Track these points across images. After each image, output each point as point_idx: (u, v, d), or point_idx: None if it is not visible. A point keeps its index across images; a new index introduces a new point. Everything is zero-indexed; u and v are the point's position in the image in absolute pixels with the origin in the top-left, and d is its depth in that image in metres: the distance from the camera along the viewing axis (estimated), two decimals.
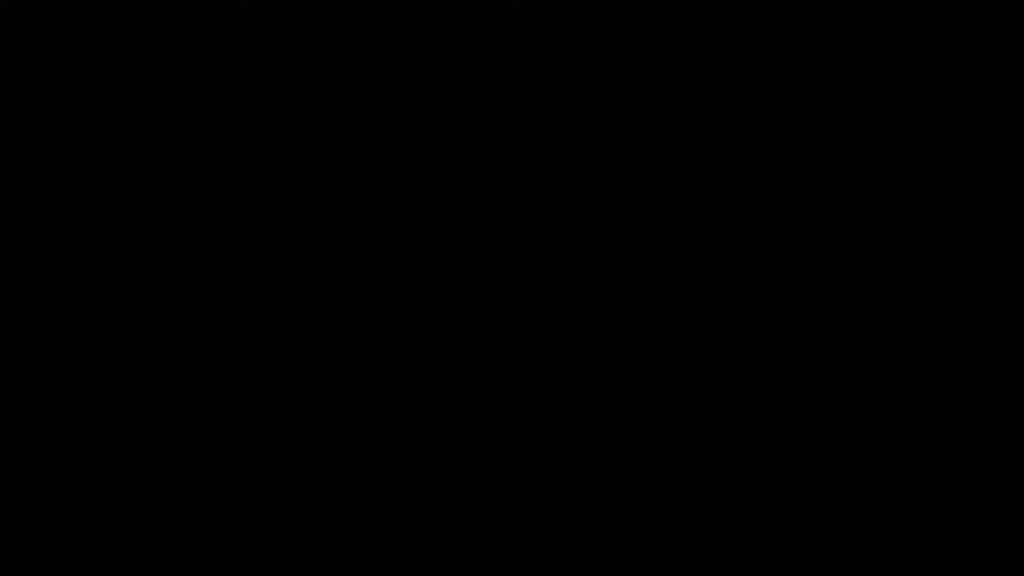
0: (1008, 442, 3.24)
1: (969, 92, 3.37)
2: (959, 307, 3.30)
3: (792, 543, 3.20)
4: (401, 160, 3.38)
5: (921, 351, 3.28)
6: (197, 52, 3.39)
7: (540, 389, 3.29)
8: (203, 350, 3.29)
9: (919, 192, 3.35)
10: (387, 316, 3.31)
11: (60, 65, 3.38)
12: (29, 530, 3.19)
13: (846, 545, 3.20)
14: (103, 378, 3.27)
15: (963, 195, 3.34)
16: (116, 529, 3.20)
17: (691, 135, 3.38)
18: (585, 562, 3.20)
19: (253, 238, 3.33)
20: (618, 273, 3.33)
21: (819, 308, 3.31)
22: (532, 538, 3.22)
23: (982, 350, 3.28)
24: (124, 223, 3.33)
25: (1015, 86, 3.36)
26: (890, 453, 3.24)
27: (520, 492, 3.24)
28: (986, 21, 3.38)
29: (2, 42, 3.37)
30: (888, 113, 3.37)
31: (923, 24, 3.38)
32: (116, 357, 3.28)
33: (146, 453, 3.24)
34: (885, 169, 3.36)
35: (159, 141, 3.37)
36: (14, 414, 3.24)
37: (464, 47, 3.40)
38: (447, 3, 3.40)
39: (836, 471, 3.23)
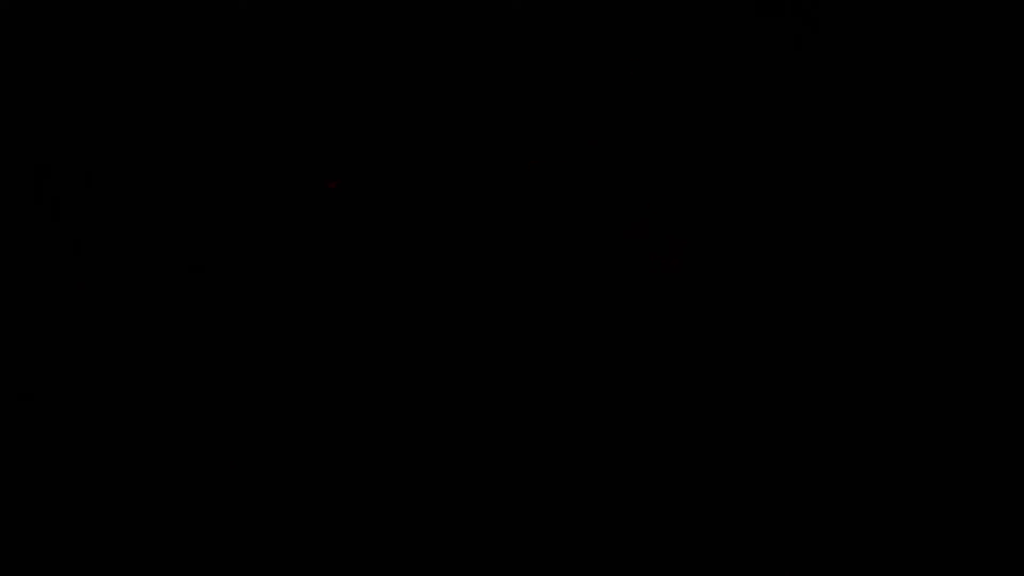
0: (1008, 442, 3.24)
1: (969, 92, 3.37)
2: (959, 306, 3.30)
3: (792, 543, 3.20)
4: (401, 160, 3.38)
5: (920, 350, 3.28)
6: (197, 52, 3.39)
7: (541, 388, 3.29)
8: (203, 350, 3.29)
9: (918, 191, 3.35)
10: (387, 315, 3.32)
11: (60, 65, 3.38)
12: (29, 530, 3.19)
13: (846, 545, 3.20)
14: (103, 378, 3.27)
15: (963, 195, 3.34)
16: (116, 529, 3.20)
17: (691, 135, 3.38)
18: (585, 562, 3.21)
19: (253, 238, 3.34)
20: (618, 273, 3.33)
21: (818, 307, 3.32)
22: (532, 537, 3.22)
23: (982, 350, 3.28)
24: (124, 223, 3.33)
25: (1015, 86, 3.36)
26: (890, 453, 3.24)
27: (520, 490, 3.24)
28: (986, 21, 3.38)
29: (2, 42, 3.37)
30: (888, 113, 3.37)
31: (923, 24, 3.38)
32: (116, 357, 3.28)
33: (146, 453, 3.24)
34: (884, 168, 3.36)
35: (159, 141, 3.37)
36: (14, 414, 3.25)
37: (464, 47, 3.40)
38: (447, 3, 3.40)
39: (836, 471, 3.24)
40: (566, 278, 3.33)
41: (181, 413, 3.26)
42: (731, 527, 3.22)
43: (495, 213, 3.36)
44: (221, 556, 3.20)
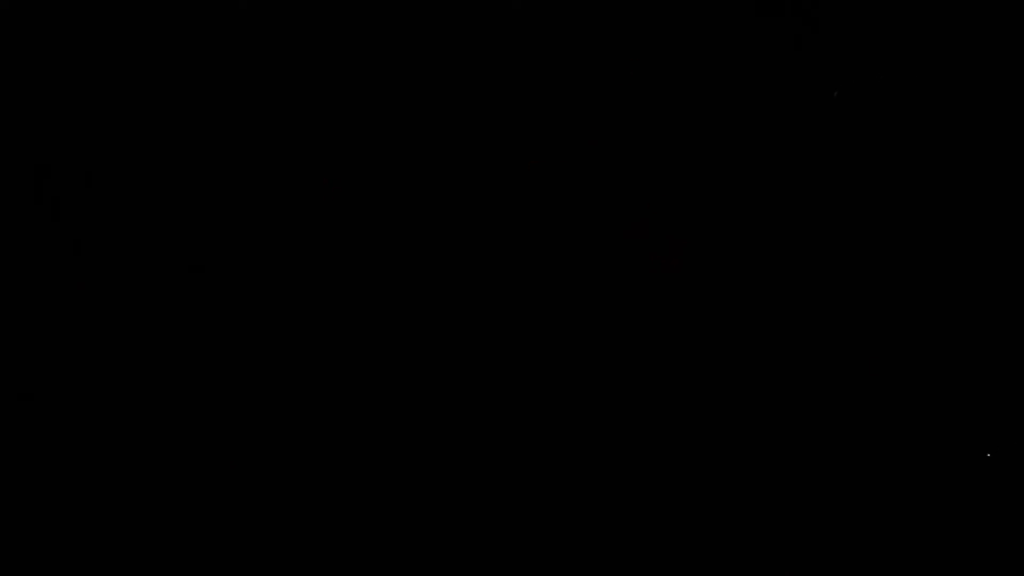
0: (1008, 442, 3.24)
1: (969, 92, 3.37)
2: (959, 306, 3.30)
3: (792, 543, 3.20)
4: (401, 160, 3.38)
5: (920, 350, 3.28)
6: (197, 52, 3.39)
7: (540, 388, 3.29)
8: (203, 350, 3.29)
9: (918, 192, 3.35)
10: (387, 315, 3.31)
11: (60, 65, 3.37)
12: (29, 530, 3.19)
13: (846, 545, 3.20)
14: (103, 378, 3.27)
15: (962, 195, 3.34)
16: (116, 529, 3.20)
17: (691, 135, 3.38)
18: (585, 562, 3.20)
19: (253, 238, 3.33)
20: (618, 273, 3.33)
21: (818, 308, 3.31)
22: (532, 538, 3.22)
23: (981, 350, 3.28)
24: (124, 223, 3.33)
25: (1015, 86, 3.36)
26: (890, 452, 3.24)
27: (520, 491, 3.24)
28: (986, 21, 3.38)
29: (2, 42, 3.37)
30: (888, 113, 3.37)
31: (923, 24, 3.38)
32: (116, 357, 3.28)
33: (146, 453, 3.24)
34: (884, 169, 3.36)
35: (159, 141, 3.37)
36: (14, 414, 3.24)
37: (464, 47, 3.40)
38: (447, 3, 3.40)
39: (836, 471, 3.23)
40: (566, 278, 3.33)
41: (181, 413, 3.26)
42: (731, 527, 3.22)
43: (495, 213, 3.36)
44: (221, 556, 3.20)
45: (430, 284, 3.33)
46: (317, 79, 3.39)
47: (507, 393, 3.28)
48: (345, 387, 3.28)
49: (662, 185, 3.37)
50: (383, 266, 3.33)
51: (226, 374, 3.28)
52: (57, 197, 3.33)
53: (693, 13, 3.39)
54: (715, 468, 3.25)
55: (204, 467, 3.23)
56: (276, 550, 3.20)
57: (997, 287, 3.30)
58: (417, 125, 3.38)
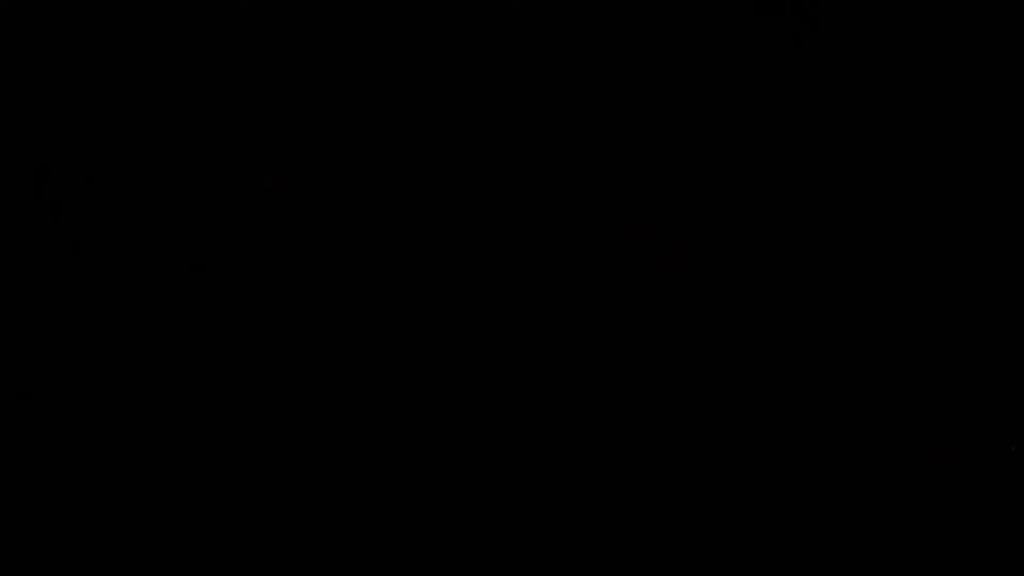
0: (1008, 442, 3.24)
1: (969, 92, 3.37)
2: (959, 307, 3.30)
3: (792, 543, 3.20)
4: (401, 160, 3.38)
5: (920, 351, 3.28)
6: (197, 52, 3.39)
7: (540, 389, 3.29)
8: (203, 350, 3.29)
9: (919, 192, 3.35)
10: (387, 315, 3.31)
11: (60, 65, 3.38)
12: (29, 530, 3.19)
13: (846, 545, 3.20)
14: (103, 378, 3.27)
15: (963, 195, 3.34)
16: (116, 529, 3.20)
17: (691, 135, 3.38)
18: (585, 562, 3.20)
19: (253, 238, 3.33)
20: (618, 273, 3.33)
21: (819, 308, 3.31)
22: (532, 538, 3.22)
23: (981, 350, 3.28)
24: (124, 223, 3.33)
25: (1015, 86, 3.36)
26: (890, 452, 3.24)
27: (520, 491, 3.24)
28: (986, 21, 3.38)
29: (2, 42, 3.37)
30: (888, 113, 3.37)
31: (923, 24, 3.38)
32: (116, 357, 3.28)
33: (146, 453, 3.24)
34: (885, 169, 3.36)
35: (159, 141, 3.37)
36: (14, 414, 3.24)
37: (464, 47, 3.40)
38: (447, 3, 3.40)
39: (836, 471, 3.23)
40: (566, 278, 3.33)
41: (181, 413, 3.26)
42: (731, 527, 3.22)
43: (495, 213, 3.36)
44: (221, 556, 3.20)
45: (430, 284, 3.33)
46: (317, 79, 3.39)
47: (507, 393, 3.28)
48: (345, 387, 3.28)
49: (662, 185, 3.37)
50: (383, 266, 3.33)
51: (226, 374, 3.28)
52: (57, 197, 3.33)
53: (693, 13, 3.39)
54: (715, 468, 3.25)
55: (204, 467, 3.23)
56: (276, 550, 3.20)
57: (997, 287, 3.30)
58: (417, 125, 3.38)
